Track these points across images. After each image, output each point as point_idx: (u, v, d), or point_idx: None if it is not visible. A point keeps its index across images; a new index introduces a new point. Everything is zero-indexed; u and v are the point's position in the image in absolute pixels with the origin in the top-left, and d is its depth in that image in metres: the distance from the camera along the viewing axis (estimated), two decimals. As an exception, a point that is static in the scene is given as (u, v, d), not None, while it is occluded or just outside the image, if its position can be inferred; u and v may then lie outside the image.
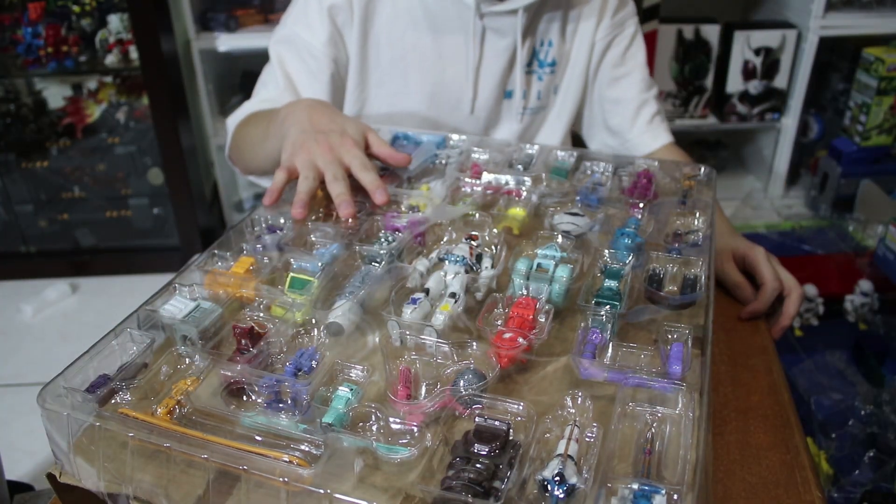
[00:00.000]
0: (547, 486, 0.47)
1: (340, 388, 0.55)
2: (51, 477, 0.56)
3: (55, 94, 2.20)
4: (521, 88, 1.09)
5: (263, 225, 0.79)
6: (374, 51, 1.07)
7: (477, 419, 0.52)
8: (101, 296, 2.17)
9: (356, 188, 0.82)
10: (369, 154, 0.86)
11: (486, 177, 0.86)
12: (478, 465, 0.48)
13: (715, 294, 0.67)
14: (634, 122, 1.13)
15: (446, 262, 0.69)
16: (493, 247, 0.73)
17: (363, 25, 1.05)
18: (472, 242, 0.72)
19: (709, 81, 2.18)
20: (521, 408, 0.53)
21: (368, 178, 0.81)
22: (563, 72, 1.13)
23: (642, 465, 0.50)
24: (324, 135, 0.83)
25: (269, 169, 0.98)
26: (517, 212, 0.80)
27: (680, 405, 0.54)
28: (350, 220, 0.78)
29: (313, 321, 0.64)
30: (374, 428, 0.53)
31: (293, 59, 1.07)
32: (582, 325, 0.62)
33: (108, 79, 2.16)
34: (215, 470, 0.51)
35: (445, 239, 0.76)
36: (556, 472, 0.47)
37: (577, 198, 0.82)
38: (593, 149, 1.20)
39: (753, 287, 0.91)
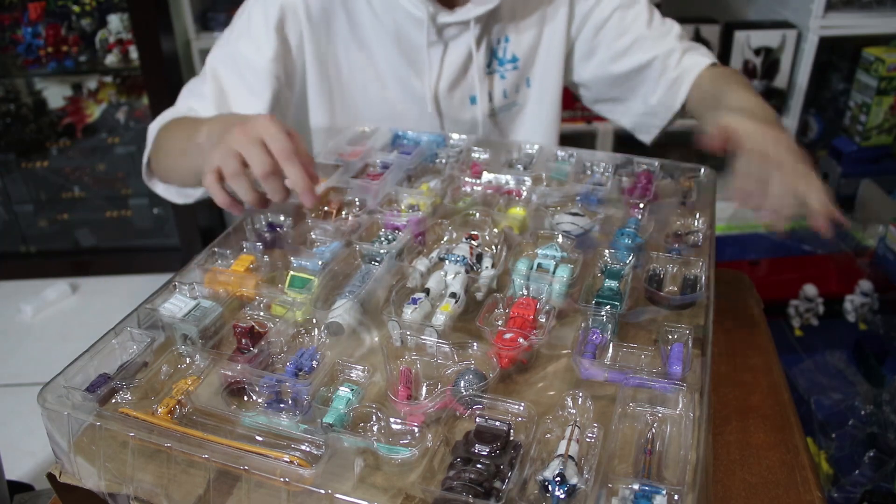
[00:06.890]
0: (548, 486, 0.48)
1: (341, 388, 0.55)
2: (51, 477, 0.56)
3: (55, 94, 2.20)
4: (486, 91, 1.07)
5: (264, 222, 0.79)
6: (332, 67, 1.06)
7: (477, 419, 0.52)
8: (101, 296, 2.16)
9: (359, 187, 0.82)
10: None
11: (486, 176, 0.86)
12: (478, 466, 0.48)
13: (714, 294, 0.67)
14: (659, 82, 1.06)
15: (446, 261, 0.69)
16: (493, 247, 0.73)
17: (317, 44, 1.04)
18: (473, 242, 0.72)
19: (709, 81, 2.18)
20: (521, 408, 0.53)
21: (293, 173, 0.69)
22: (531, 62, 1.10)
23: (643, 465, 0.51)
24: (235, 125, 0.72)
25: (188, 181, 0.95)
26: (517, 212, 0.80)
27: (680, 405, 0.54)
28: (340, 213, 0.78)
29: (314, 321, 0.64)
30: (375, 428, 0.53)
31: (231, 75, 1.02)
32: (582, 325, 0.62)
33: (108, 79, 2.16)
34: (216, 470, 0.51)
35: (445, 239, 0.76)
36: (556, 472, 0.47)
37: (577, 198, 0.82)
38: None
39: None
